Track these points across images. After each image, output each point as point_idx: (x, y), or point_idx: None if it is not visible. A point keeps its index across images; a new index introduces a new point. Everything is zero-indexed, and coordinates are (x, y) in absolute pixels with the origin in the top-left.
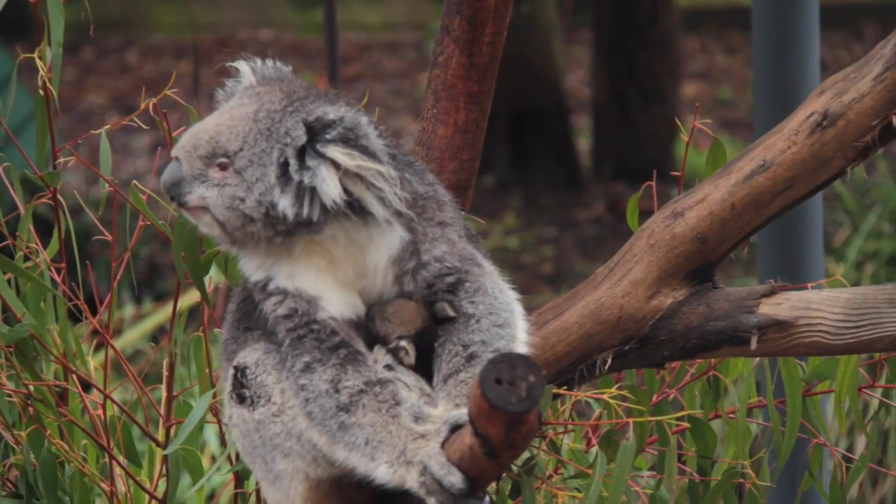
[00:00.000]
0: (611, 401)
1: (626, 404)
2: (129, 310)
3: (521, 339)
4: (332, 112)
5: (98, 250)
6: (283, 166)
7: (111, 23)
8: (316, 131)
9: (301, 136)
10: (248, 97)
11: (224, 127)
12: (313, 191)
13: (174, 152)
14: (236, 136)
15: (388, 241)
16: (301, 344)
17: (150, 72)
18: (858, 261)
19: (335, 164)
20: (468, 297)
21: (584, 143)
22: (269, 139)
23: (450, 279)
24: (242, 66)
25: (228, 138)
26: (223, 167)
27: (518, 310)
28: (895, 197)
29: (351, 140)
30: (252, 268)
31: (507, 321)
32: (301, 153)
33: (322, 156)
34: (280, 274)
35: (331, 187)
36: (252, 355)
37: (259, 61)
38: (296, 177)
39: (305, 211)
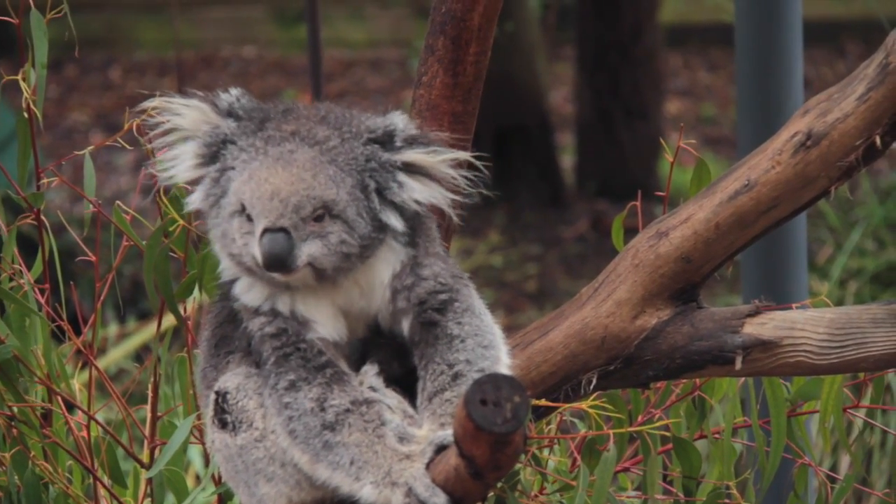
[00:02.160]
0: (591, 411)
1: (608, 414)
2: (112, 329)
3: (504, 361)
4: (380, 121)
5: (82, 269)
6: (377, 191)
7: (94, 40)
8: (387, 145)
9: (380, 155)
10: (290, 141)
11: (309, 179)
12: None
13: (273, 223)
14: (326, 183)
15: (396, 257)
16: (286, 362)
17: (134, 89)
18: (842, 278)
19: (412, 169)
20: (456, 317)
21: (567, 161)
22: (352, 173)
23: (442, 297)
24: (195, 105)
25: (323, 189)
26: (319, 218)
27: (500, 333)
28: (878, 215)
29: (416, 138)
30: (254, 295)
31: (492, 343)
32: (384, 172)
33: (403, 166)
34: (281, 299)
35: (418, 191)
36: (233, 380)
37: (219, 96)
38: (395, 197)
39: (401, 225)
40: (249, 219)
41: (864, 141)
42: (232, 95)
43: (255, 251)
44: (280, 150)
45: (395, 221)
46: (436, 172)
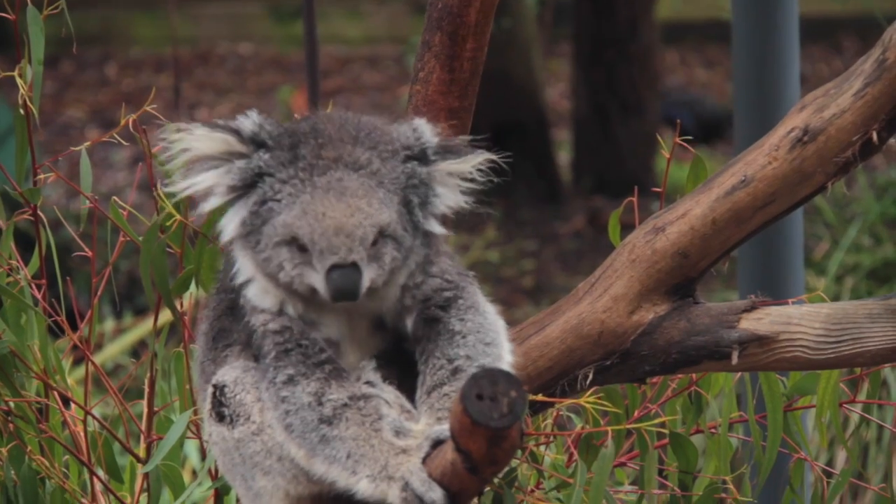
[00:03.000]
0: (588, 407)
1: (605, 409)
2: (109, 324)
3: (506, 359)
4: (411, 135)
5: (78, 264)
6: (421, 206)
7: (90, 36)
8: (421, 155)
9: (419, 171)
10: (336, 169)
11: (365, 207)
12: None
13: (344, 259)
14: (380, 207)
15: (415, 259)
16: (286, 357)
17: (130, 86)
18: (839, 274)
19: (445, 178)
20: (458, 314)
21: (564, 157)
22: (397, 192)
23: (447, 294)
24: (219, 135)
25: (379, 214)
26: (374, 242)
27: (504, 332)
28: (875, 210)
29: (447, 148)
30: (269, 301)
31: (494, 341)
32: (424, 186)
33: (438, 177)
34: (294, 304)
35: (451, 198)
36: (231, 374)
37: (248, 122)
38: (434, 209)
39: (443, 230)
40: (302, 249)
41: (860, 137)
42: (254, 122)
43: (318, 284)
44: (328, 179)
45: (438, 228)
46: (465, 178)
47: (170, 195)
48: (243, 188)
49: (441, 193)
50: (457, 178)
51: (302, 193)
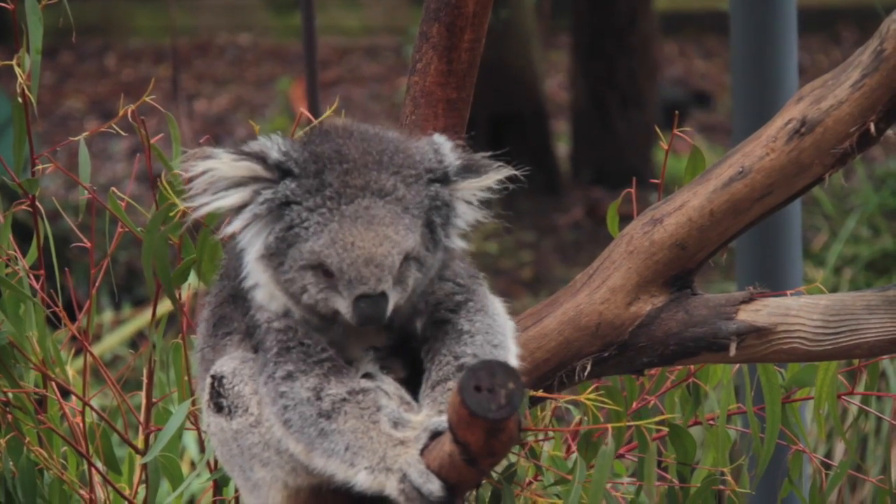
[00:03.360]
0: (588, 403)
1: (605, 406)
2: (108, 315)
3: (512, 363)
4: (433, 156)
5: (77, 255)
6: (443, 226)
7: (89, 27)
8: (443, 178)
9: (442, 193)
10: (363, 197)
11: (393, 235)
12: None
13: (374, 290)
14: (406, 234)
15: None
16: (288, 354)
17: (129, 76)
18: (837, 265)
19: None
20: (468, 315)
21: (562, 148)
22: (421, 215)
23: (458, 298)
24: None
25: (405, 241)
26: (399, 266)
27: (512, 335)
28: (873, 202)
29: (468, 167)
30: (276, 305)
31: (502, 343)
32: (446, 207)
33: (460, 196)
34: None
35: (471, 214)
36: (229, 364)
37: (274, 149)
38: (456, 229)
39: (465, 244)
40: (327, 274)
41: (858, 128)
42: (279, 148)
43: (343, 309)
44: (355, 207)
45: (460, 244)
46: (485, 194)
47: (189, 207)
48: (268, 215)
49: (462, 212)
50: (477, 194)
51: (330, 222)
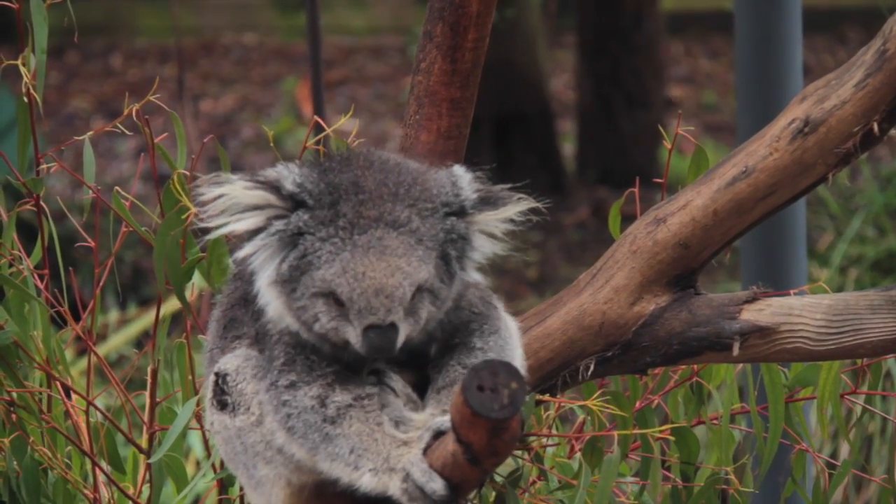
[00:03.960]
0: (594, 407)
1: (609, 410)
2: (113, 315)
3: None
4: (450, 189)
5: (82, 255)
6: (459, 259)
7: (95, 27)
8: (460, 211)
9: (458, 227)
10: (376, 228)
11: (405, 266)
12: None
13: (383, 321)
14: (419, 266)
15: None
16: (293, 364)
17: (135, 76)
18: (842, 265)
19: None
20: (482, 337)
21: (568, 148)
22: (436, 248)
23: (473, 326)
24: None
25: (417, 273)
26: (411, 297)
27: (522, 360)
28: (879, 202)
29: (485, 199)
30: (286, 321)
31: (511, 361)
32: (462, 241)
33: (477, 229)
34: None
35: (489, 247)
36: (233, 362)
37: (290, 179)
38: (472, 262)
39: (481, 278)
40: (339, 302)
41: (861, 128)
42: (294, 179)
43: (353, 339)
44: (368, 238)
45: (476, 277)
46: (505, 226)
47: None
48: (281, 244)
49: (479, 245)
50: (496, 227)
51: (342, 251)
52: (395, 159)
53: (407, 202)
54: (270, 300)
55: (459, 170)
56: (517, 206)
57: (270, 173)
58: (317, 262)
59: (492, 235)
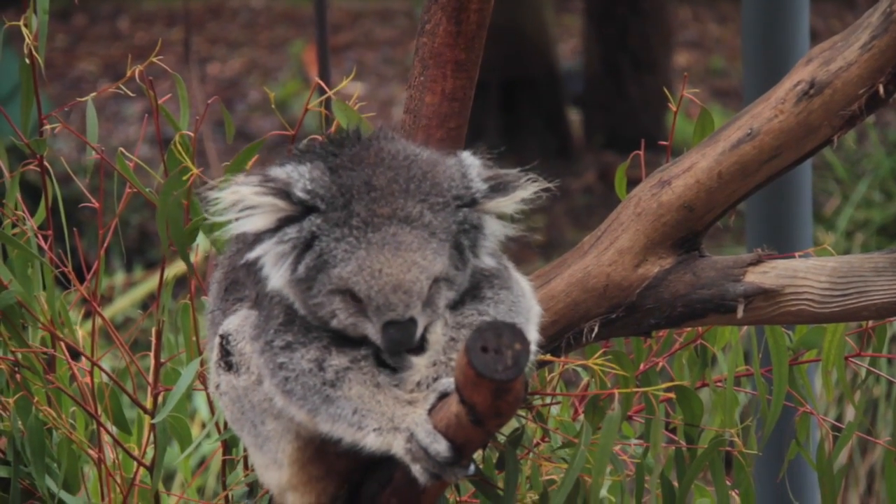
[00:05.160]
0: (596, 368)
1: (612, 371)
2: (119, 277)
3: (532, 335)
4: (460, 180)
5: (89, 218)
6: (472, 248)
7: None
8: (471, 203)
9: (469, 217)
10: (390, 224)
11: (420, 261)
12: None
13: (402, 316)
14: (434, 259)
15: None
16: (291, 325)
17: (142, 39)
18: (849, 230)
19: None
20: (493, 289)
21: (575, 113)
22: (449, 238)
23: (484, 284)
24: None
25: (432, 266)
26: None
27: (536, 316)
28: (886, 166)
29: (495, 187)
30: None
31: (525, 316)
32: (474, 230)
33: (488, 216)
34: None
35: (499, 230)
36: (234, 322)
37: (300, 183)
38: (485, 248)
39: (494, 262)
40: (356, 299)
41: (867, 90)
42: (304, 185)
43: (372, 335)
44: (382, 235)
45: (489, 263)
46: (517, 206)
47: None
48: (293, 249)
49: (491, 230)
50: (507, 211)
51: (357, 249)
52: (404, 151)
53: (419, 197)
54: (279, 286)
55: (468, 158)
56: (527, 190)
57: (280, 175)
58: (332, 260)
59: (503, 218)
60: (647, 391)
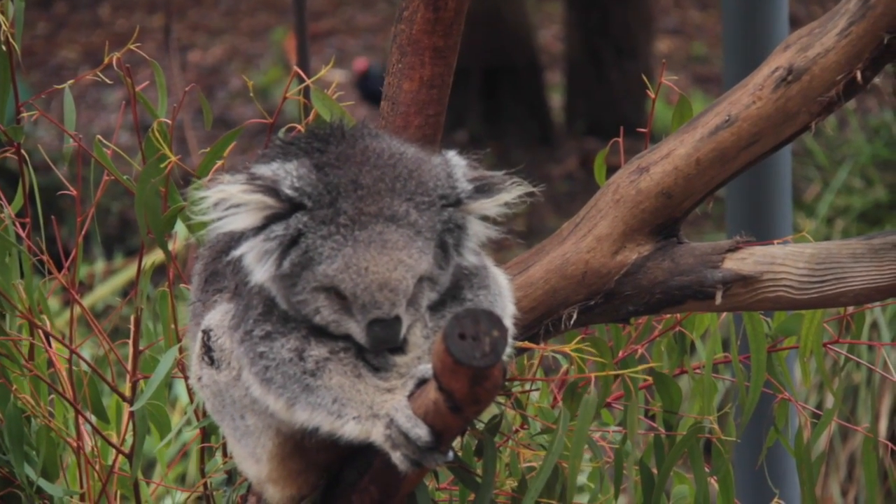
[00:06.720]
0: (573, 354)
1: (591, 359)
2: (100, 265)
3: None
4: (445, 180)
5: (69, 206)
6: (456, 247)
7: None
8: (456, 203)
9: (454, 217)
10: (376, 223)
11: (406, 259)
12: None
13: (388, 314)
14: (419, 257)
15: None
16: (270, 315)
17: (123, 26)
18: (829, 216)
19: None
20: (472, 290)
21: (556, 99)
22: (434, 237)
23: (462, 282)
24: (252, 196)
25: (418, 265)
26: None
27: (510, 315)
28: (866, 152)
29: (480, 188)
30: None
31: (502, 314)
32: (459, 230)
33: (472, 217)
34: None
35: (483, 231)
36: (215, 317)
37: (287, 181)
38: (469, 247)
39: (477, 260)
40: (340, 296)
41: (844, 76)
42: (291, 183)
43: (356, 333)
44: (369, 233)
45: (472, 260)
46: (501, 209)
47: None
48: (280, 249)
49: (475, 231)
50: (491, 212)
51: (343, 247)
52: (389, 149)
53: (405, 196)
54: (271, 288)
55: (454, 158)
56: (511, 193)
57: (266, 173)
58: (318, 258)
59: (486, 220)
60: (623, 374)
